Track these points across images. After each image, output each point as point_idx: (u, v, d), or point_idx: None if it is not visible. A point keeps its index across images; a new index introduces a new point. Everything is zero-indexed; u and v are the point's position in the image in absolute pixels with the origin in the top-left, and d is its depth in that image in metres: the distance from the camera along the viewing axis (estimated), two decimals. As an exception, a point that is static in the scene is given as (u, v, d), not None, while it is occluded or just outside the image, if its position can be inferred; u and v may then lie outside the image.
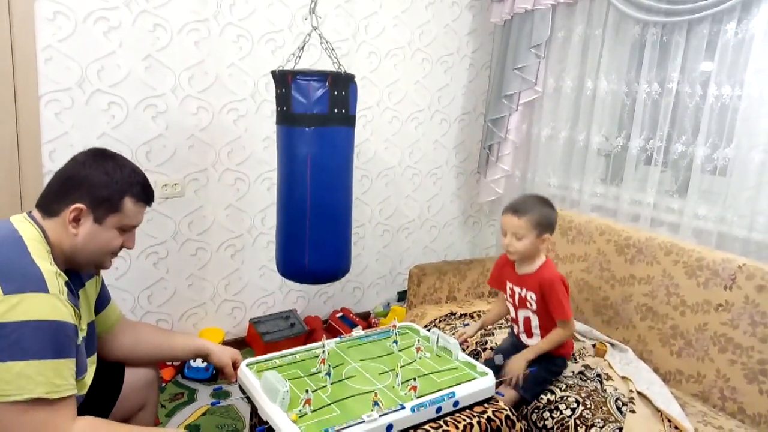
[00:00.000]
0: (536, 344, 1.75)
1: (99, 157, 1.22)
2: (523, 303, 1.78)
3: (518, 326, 1.83)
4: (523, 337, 1.85)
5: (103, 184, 1.18)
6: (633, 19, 2.38)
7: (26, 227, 1.13)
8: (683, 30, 2.22)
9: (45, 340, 1.01)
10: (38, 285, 1.03)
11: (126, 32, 2.14)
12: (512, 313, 1.85)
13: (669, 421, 1.63)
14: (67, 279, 1.12)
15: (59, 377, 1.03)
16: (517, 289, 1.80)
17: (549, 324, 1.75)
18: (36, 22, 1.98)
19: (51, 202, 1.17)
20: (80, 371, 1.15)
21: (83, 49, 2.08)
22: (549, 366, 1.77)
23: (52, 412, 1.02)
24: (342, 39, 2.66)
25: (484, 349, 2.07)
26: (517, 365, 1.69)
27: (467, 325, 2.15)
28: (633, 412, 1.64)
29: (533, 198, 1.79)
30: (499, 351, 1.87)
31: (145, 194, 1.25)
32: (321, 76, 1.84)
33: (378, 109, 2.87)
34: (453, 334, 2.12)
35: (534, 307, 1.75)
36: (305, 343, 1.70)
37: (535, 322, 1.78)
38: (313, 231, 1.93)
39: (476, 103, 3.24)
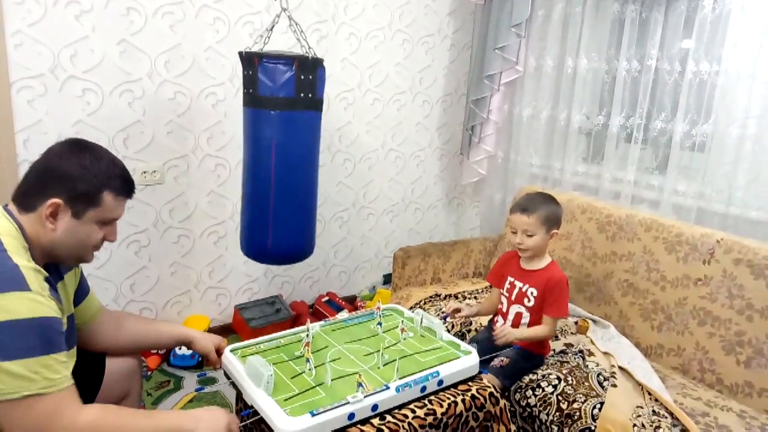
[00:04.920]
0: (526, 330, 1.75)
1: (75, 148, 1.17)
2: (520, 298, 1.79)
3: (506, 321, 1.83)
4: None
5: (80, 178, 1.13)
6: (612, -4, 2.38)
7: (2, 222, 1.10)
8: (662, 6, 2.23)
9: (32, 338, 1.00)
10: (19, 284, 1.01)
11: (98, 16, 2.09)
12: (504, 307, 1.85)
13: (649, 394, 1.66)
14: (47, 274, 1.10)
15: (52, 372, 1.02)
16: (518, 284, 1.80)
17: (538, 322, 1.77)
18: (3, 6, 1.92)
19: (27, 196, 1.14)
20: None
21: (54, 33, 2.02)
22: (526, 363, 1.78)
23: (54, 404, 1.02)
24: (321, 20, 2.62)
25: (468, 331, 2.09)
26: (509, 333, 1.69)
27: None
28: (614, 386, 1.66)
29: (540, 196, 1.83)
30: (473, 340, 1.89)
31: (125, 188, 1.21)
32: (288, 59, 1.82)
33: (359, 91, 2.84)
34: (438, 315, 2.13)
35: (531, 303, 1.76)
36: (292, 328, 1.70)
37: (525, 318, 1.78)
38: (277, 213, 1.96)
39: (458, 84, 3.23)
